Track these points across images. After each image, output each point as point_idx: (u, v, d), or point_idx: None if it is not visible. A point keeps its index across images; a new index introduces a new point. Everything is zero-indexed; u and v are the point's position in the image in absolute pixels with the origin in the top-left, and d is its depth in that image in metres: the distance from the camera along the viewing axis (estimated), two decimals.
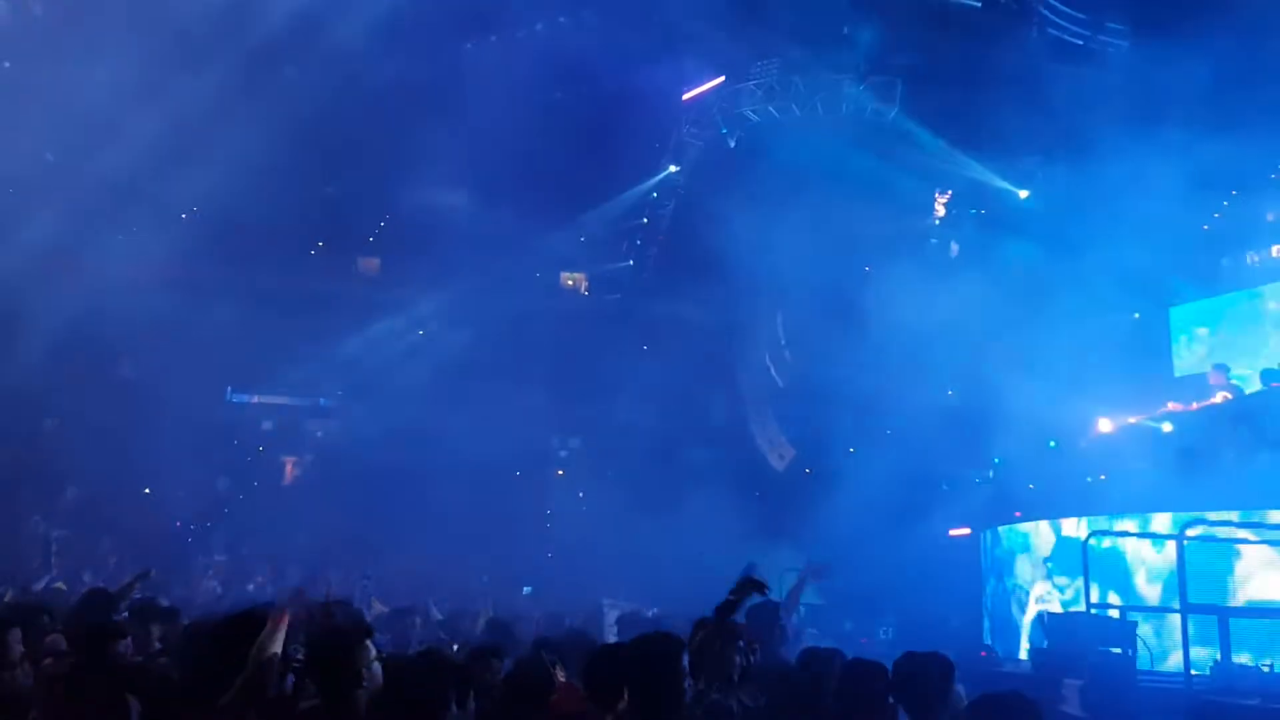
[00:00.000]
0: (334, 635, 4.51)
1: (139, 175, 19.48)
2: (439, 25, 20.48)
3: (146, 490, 21.31)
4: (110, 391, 19.41)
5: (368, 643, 4.39)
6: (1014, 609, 13.34)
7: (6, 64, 19.64)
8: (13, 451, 20.35)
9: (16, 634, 5.57)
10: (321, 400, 24.23)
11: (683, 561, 15.60)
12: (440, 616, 9.47)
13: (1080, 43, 18.24)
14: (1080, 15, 18.07)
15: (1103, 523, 11.64)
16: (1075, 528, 12.25)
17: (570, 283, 26.49)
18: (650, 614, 10.27)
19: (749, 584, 5.11)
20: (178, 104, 19.42)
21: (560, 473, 24.38)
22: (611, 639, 7.82)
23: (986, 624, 13.90)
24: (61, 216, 19.47)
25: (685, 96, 21.61)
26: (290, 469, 23.90)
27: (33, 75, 18.29)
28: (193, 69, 19.60)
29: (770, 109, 20.28)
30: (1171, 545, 9.28)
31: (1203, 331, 14.87)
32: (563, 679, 5.17)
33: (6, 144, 17.79)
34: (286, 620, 4.36)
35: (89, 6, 17.62)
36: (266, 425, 24.20)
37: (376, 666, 4.35)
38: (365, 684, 4.19)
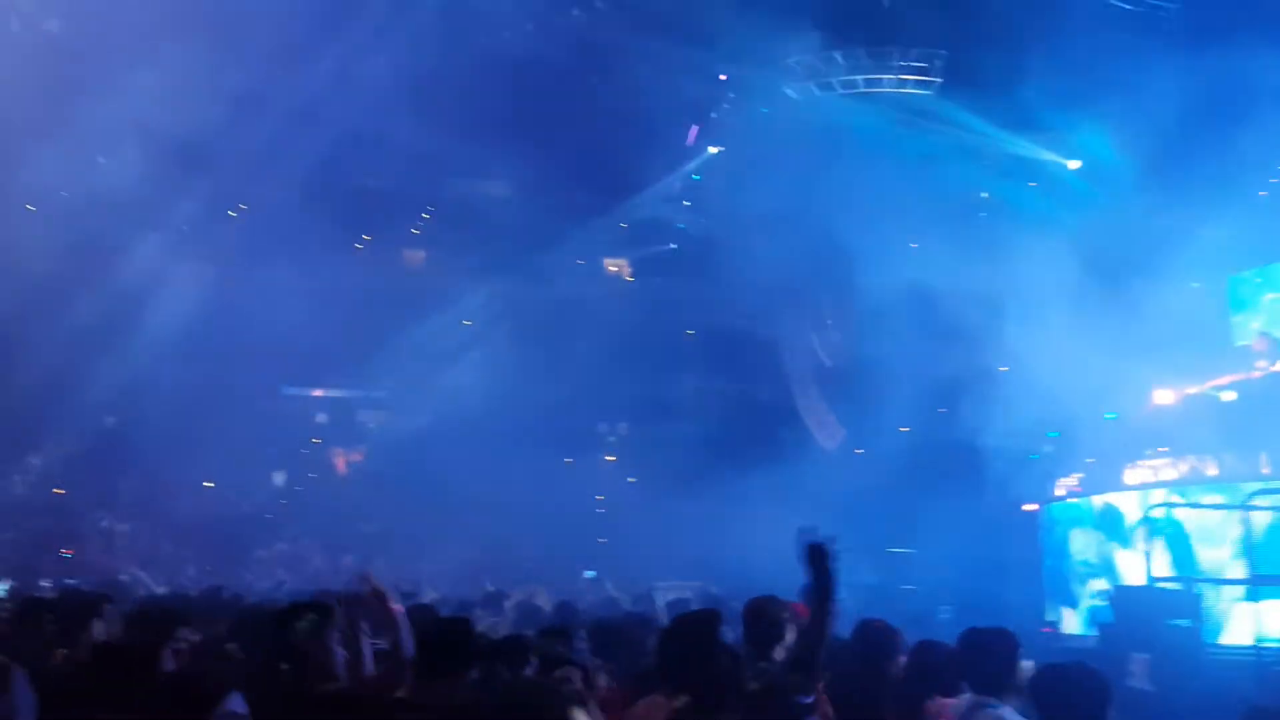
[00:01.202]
0: (442, 621, 4.49)
1: (190, 173, 19.78)
2: (476, 14, 20.48)
3: (207, 484, 21.71)
4: (168, 388, 19.76)
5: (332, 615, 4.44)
6: (1074, 584, 13.16)
7: (63, 60, 20.00)
8: (74, 449, 20.84)
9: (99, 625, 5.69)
10: (373, 392, 24.50)
11: (733, 544, 15.59)
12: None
13: (1129, 7, 17.78)
14: None
15: (1164, 494, 11.44)
16: (1136, 500, 12.04)
17: (613, 268, 26.50)
18: (703, 596, 10.28)
19: (821, 553, 4.74)
20: (226, 101, 19.70)
21: (610, 458, 24.45)
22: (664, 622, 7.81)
23: (1048, 600, 13.72)
24: (115, 214, 19.85)
25: (724, 76, 21.43)
26: (344, 460, 24.21)
27: (83, 74, 18.59)
28: (240, 65, 19.83)
29: (811, 86, 20.05)
30: (1235, 516, 9.09)
31: (1269, 298, 14.50)
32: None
33: (59, 143, 18.16)
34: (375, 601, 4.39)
35: (135, 8, 17.85)
36: (320, 418, 24.54)
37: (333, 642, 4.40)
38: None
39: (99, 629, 5.78)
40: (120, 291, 19.84)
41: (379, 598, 4.47)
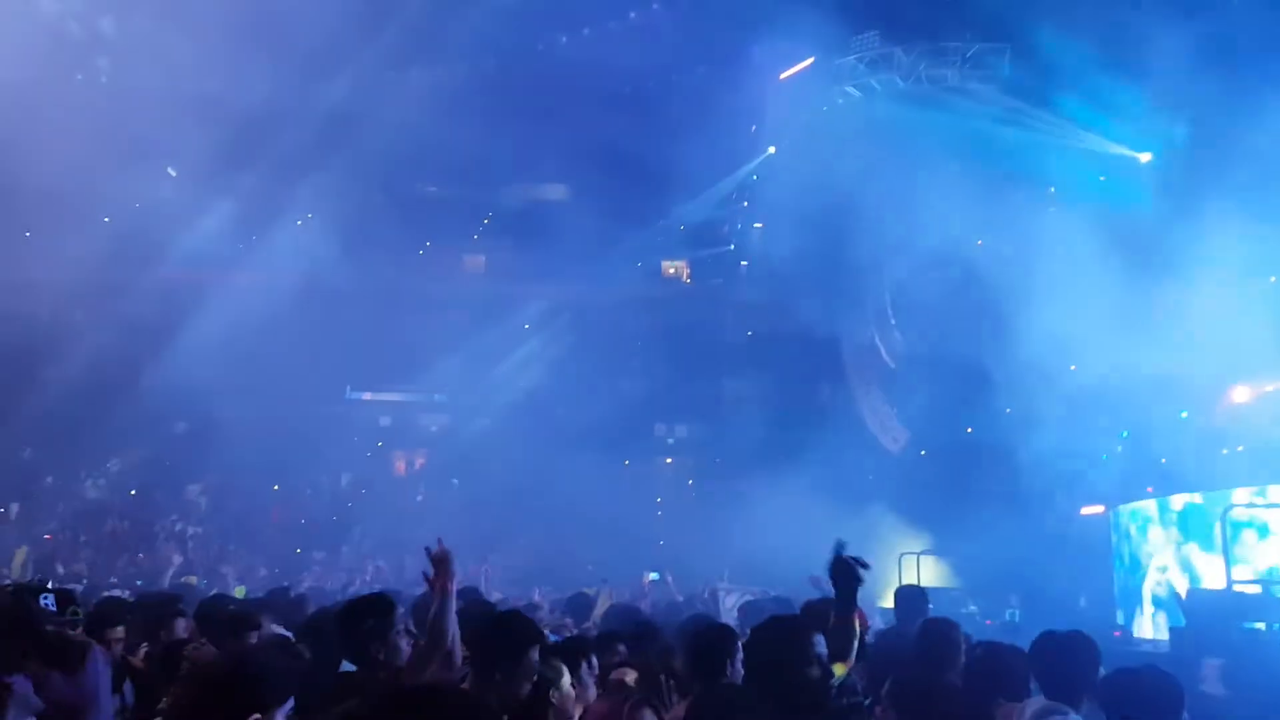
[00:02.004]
0: (503, 623, 4.46)
1: (257, 182, 20.19)
2: (533, 21, 20.64)
3: (275, 487, 22.13)
4: (235, 393, 20.18)
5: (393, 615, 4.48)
6: (1146, 587, 12.80)
7: (104, 79, 20.56)
8: (148, 454, 21.39)
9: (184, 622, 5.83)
10: (435, 395, 24.77)
11: (794, 546, 15.42)
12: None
13: None
14: None
15: (1240, 495, 11.07)
16: (1211, 501, 11.68)
17: (672, 270, 26.49)
18: (769, 598, 10.16)
19: (848, 567, 4.69)
20: (292, 112, 20.10)
21: (668, 460, 24.43)
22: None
23: (1119, 603, 13.36)
24: (185, 224, 20.37)
25: (782, 76, 21.28)
26: (407, 463, 24.52)
27: (150, 86, 19.09)
28: (305, 75, 20.23)
29: (872, 82, 19.82)
30: None
31: None
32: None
33: (129, 156, 18.68)
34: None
35: (201, 19, 18.29)
36: (384, 421, 24.89)
37: (398, 639, 4.41)
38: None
39: (181, 627, 5.93)
40: (189, 300, 20.33)
41: (444, 562, 4.48)
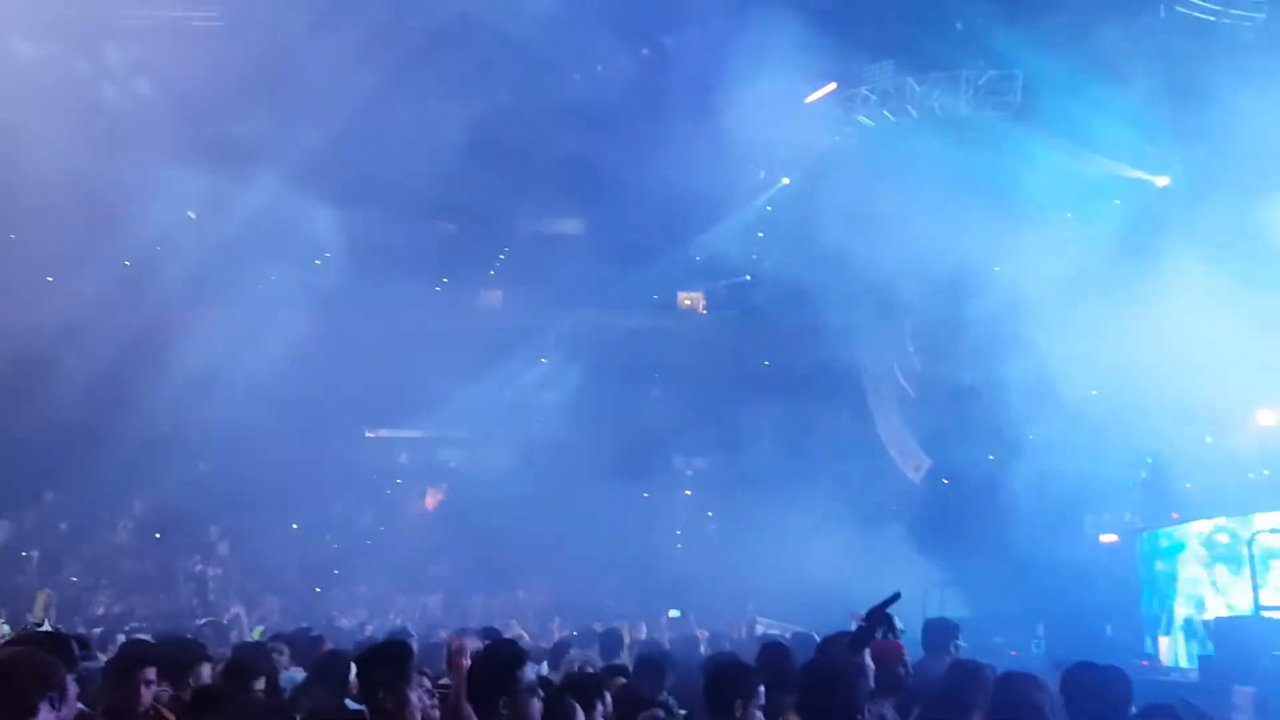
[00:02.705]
0: (491, 661, 4.47)
1: (275, 224, 20.38)
2: (549, 56, 20.82)
3: (295, 526, 22.15)
4: (255, 433, 20.25)
5: (520, 672, 4.38)
6: (1173, 615, 12.60)
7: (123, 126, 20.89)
8: (168, 496, 21.45)
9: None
10: (453, 431, 24.77)
11: (818, 578, 15.28)
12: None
13: (1212, 19, 17.28)
14: None
15: (1266, 520, 10.91)
16: (1238, 526, 11.50)
17: (688, 302, 26.49)
18: (789, 635, 10.05)
19: (881, 617, 4.72)
20: (307, 151, 20.32)
21: (687, 493, 24.29)
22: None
23: (1146, 631, 13.16)
24: (204, 268, 20.56)
25: (796, 106, 21.36)
26: (426, 500, 24.49)
27: (167, 130, 19.36)
28: (318, 115, 20.47)
29: (885, 113, 19.88)
30: None
31: None
32: None
33: (149, 198, 18.91)
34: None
35: (217, 58, 18.59)
36: (402, 458, 24.90)
37: (532, 702, 4.32)
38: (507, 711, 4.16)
39: (206, 673, 5.88)
40: (209, 340, 20.47)
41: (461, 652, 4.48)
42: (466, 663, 4.44)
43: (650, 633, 11.12)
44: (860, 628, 4.70)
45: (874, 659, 5.05)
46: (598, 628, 10.98)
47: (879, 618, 4.60)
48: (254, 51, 18.73)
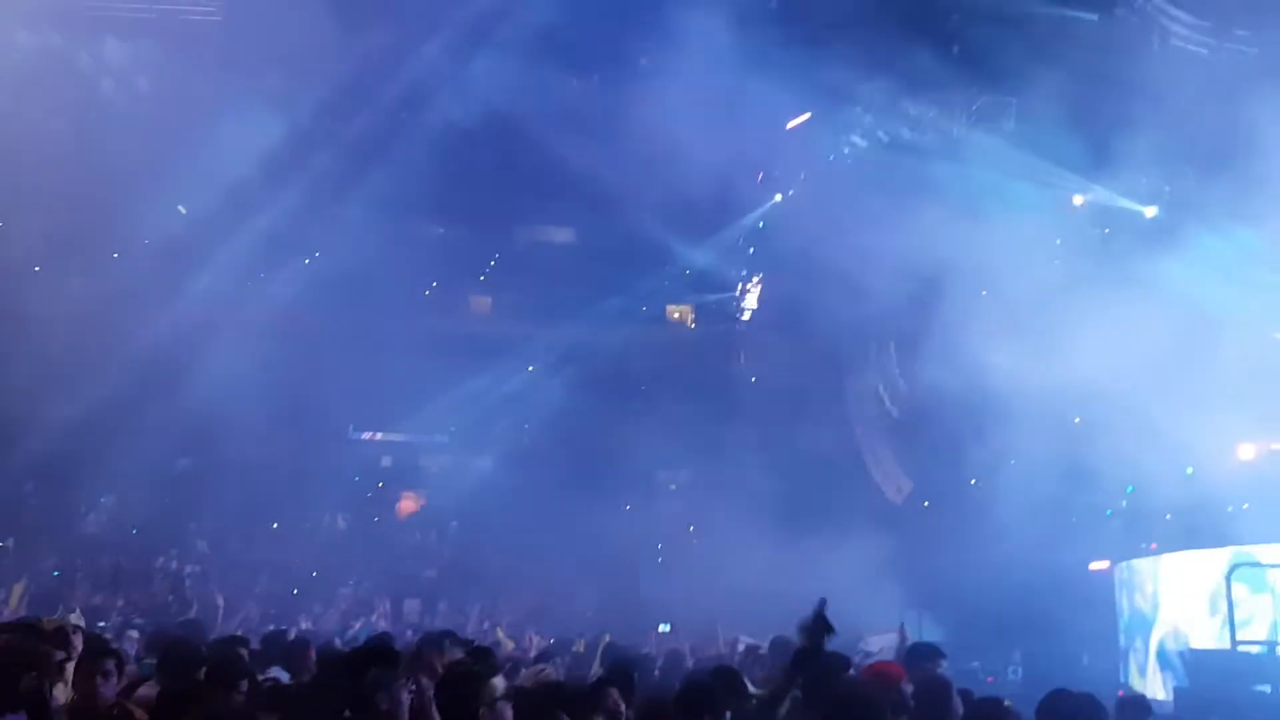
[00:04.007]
0: (459, 673, 4.51)
1: (262, 221, 20.33)
2: (542, 65, 20.86)
3: (275, 525, 22.03)
4: (239, 431, 20.17)
5: (494, 681, 4.39)
6: (1150, 646, 12.65)
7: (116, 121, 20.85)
8: (148, 490, 21.32)
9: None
10: (437, 436, 24.70)
11: (795, 596, 15.25)
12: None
13: (1206, 51, 17.43)
14: (1204, 23, 17.27)
15: (1245, 554, 10.97)
16: (1217, 559, 11.56)
17: (677, 315, 26.52)
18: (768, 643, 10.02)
19: (820, 627, 4.73)
20: (296, 154, 20.31)
21: (670, 505, 24.25)
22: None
23: (1122, 661, 13.20)
24: (190, 265, 20.49)
25: (790, 125, 21.46)
26: (409, 503, 24.40)
27: (158, 126, 19.32)
28: (309, 119, 20.47)
29: (879, 133, 19.98)
30: None
31: None
32: None
33: (140, 193, 18.85)
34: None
35: (213, 58, 18.57)
36: (385, 461, 24.81)
37: (504, 707, 4.34)
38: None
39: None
40: (194, 337, 20.39)
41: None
42: (438, 669, 4.46)
43: (641, 648, 11.04)
44: (802, 648, 4.70)
45: (876, 681, 5.09)
46: (579, 642, 10.93)
47: (819, 630, 4.61)
48: (247, 48, 18.74)
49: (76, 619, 5.79)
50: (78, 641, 5.57)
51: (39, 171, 18.13)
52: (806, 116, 20.59)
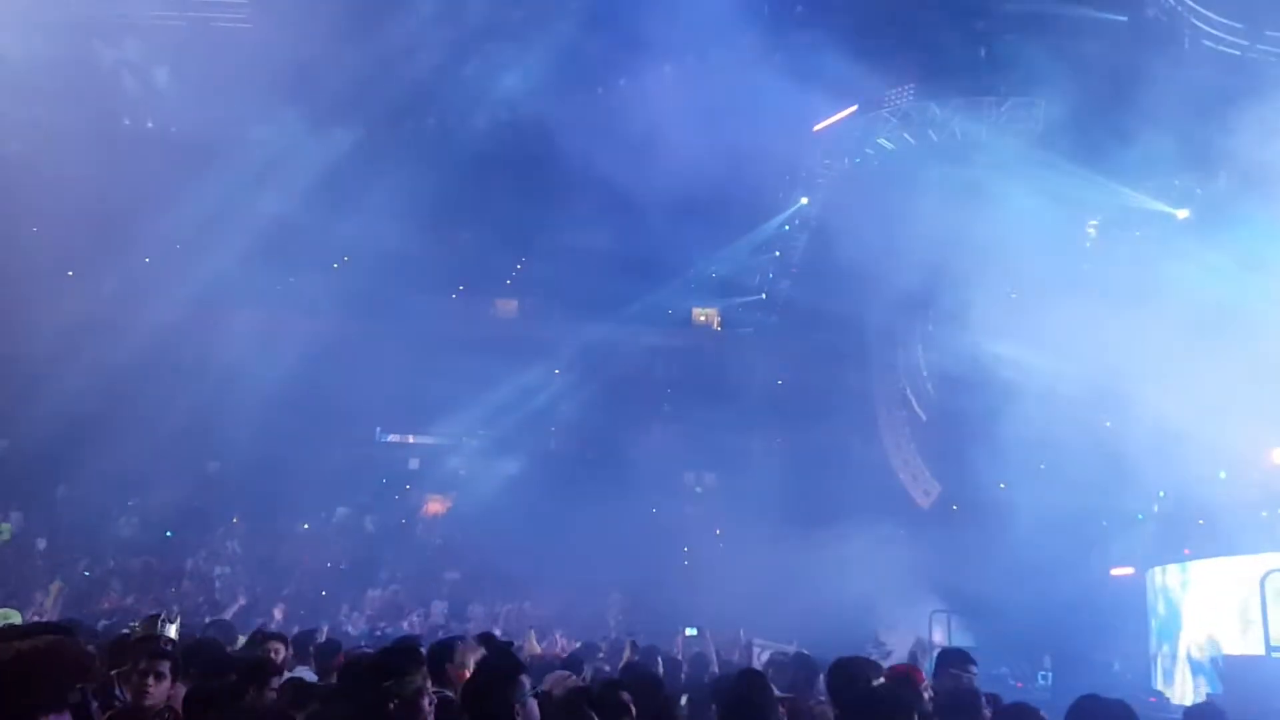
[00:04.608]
0: (488, 672, 4.54)
1: (294, 228, 20.52)
2: (571, 71, 20.93)
3: (305, 526, 22.20)
4: (269, 434, 20.34)
5: (521, 679, 4.41)
6: (1182, 651, 12.50)
7: (149, 124, 21.10)
8: (180, 492, 21.53)
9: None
10: (464, 439, 24.81)
11: (822, 600, 15.24)
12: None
13: (1238, 53, 17.25)
14: (1236, 25, 17.10)
15: (1279, 560, 10.84)
16: (1251, 565, 11.42)
17: (703, 318, 26.51)
18: (792, 655, 10.02)
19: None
20: (325, 159, 20.48)
21: (696, 508, 24.24)
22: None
23: (1153, 667, 13.06)
24: (222, 268, 20.69)
25: (816, 128, 21.41)
26: (436, 506, 24.51)
27: (186, 133, 19.54)
28: (337, 124, 20.63)
29: (906, 136, 19.90)
30: None
31: None
32: None
33: (167, 201, 19.07)
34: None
35: (233, 74, 18.76)
36: (413, 464, 24.94)
37: (532, 703, 4.36)
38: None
39: None
40: (225, 340, 20.59)
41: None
42: (466, 673, 4.48)
43: (670, 650, 11.05)
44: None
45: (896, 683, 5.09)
46: (602, 644, 10.95)
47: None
48: (276, 54, 18.91)
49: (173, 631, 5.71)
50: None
51: (67, 177, 18.39)
52: (837, 118, 20.51)
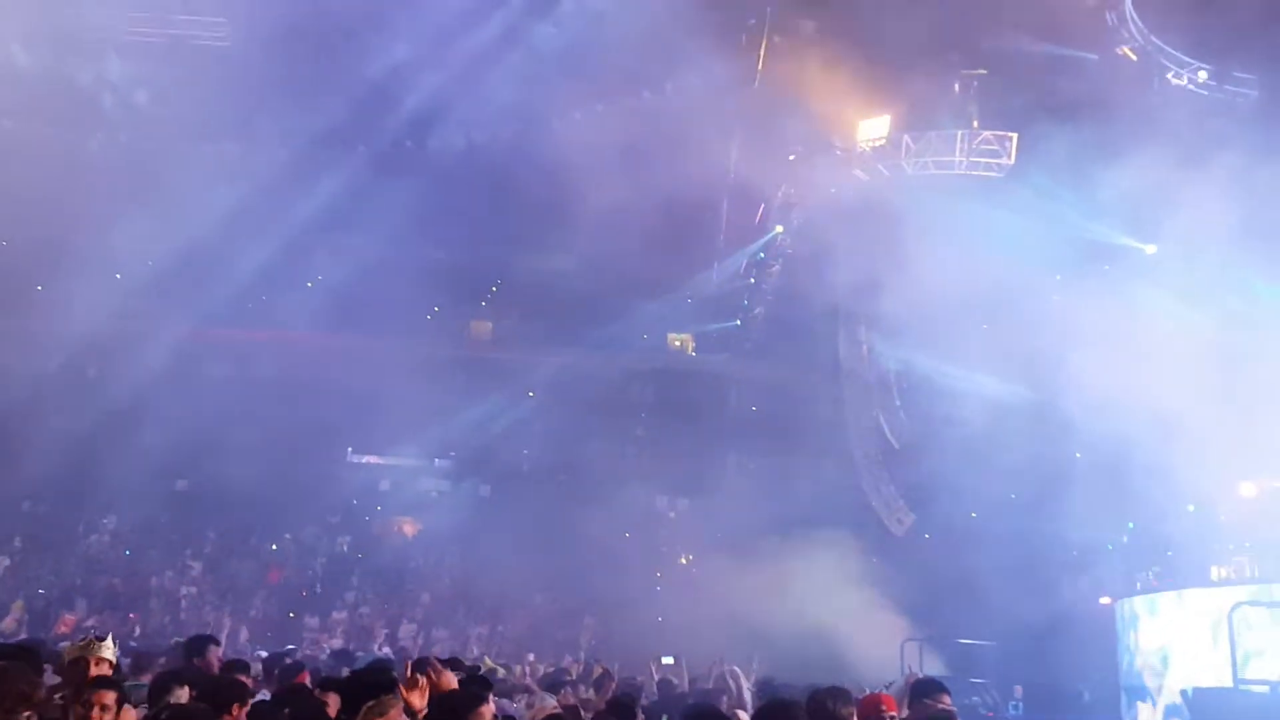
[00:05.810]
0: (454, 695, 4.55)
1: (267, 247, 20.42)
2: (548, 95, 21.04)
3: (274, 547, 21.94)
4: (238, 453, 20.12)
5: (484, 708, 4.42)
6: (1152, 681, 12.60)
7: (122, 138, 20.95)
8: (147, 511, 21.25)
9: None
10: (436, 460, 24.64)
11: (794, 627, 15.23)
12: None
13: (1205, 93, 17.63)
14: (1206, 65, 17.49)
15: (1246, 592, 10.97)
16: (1218, 597, 11.55)
17: (678, 343, 26.53)
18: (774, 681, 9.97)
19: None
20: (299, 178, 20.43)
21: (669, 533, 24.17)
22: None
23: (1124, 696, 13.15)
24: (193, 286, 20.55)
25: (791, 157, 21.61)
26: (407, 527, 24.29)
27: (162, 152, 19.44)
28: (313, 143, 20.59)
29: (880, 167, 20.13)
30: None
31: None
32: None
33: (138, 216, 18.93)
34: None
35: (210, 91, 18.72)
36: (384, 485, 24.72)
37: None
38: None
39: (179, 695, 5.77)
40: (195, 358, 20.41)
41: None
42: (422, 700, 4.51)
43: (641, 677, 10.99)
44: None
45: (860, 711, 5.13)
46: (573, 665, 10.89)
47: None
48: (253, 73, 18.89)
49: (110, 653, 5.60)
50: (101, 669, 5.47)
51: (42, 191, 18.22)
52: (813, 148, 20.71)
